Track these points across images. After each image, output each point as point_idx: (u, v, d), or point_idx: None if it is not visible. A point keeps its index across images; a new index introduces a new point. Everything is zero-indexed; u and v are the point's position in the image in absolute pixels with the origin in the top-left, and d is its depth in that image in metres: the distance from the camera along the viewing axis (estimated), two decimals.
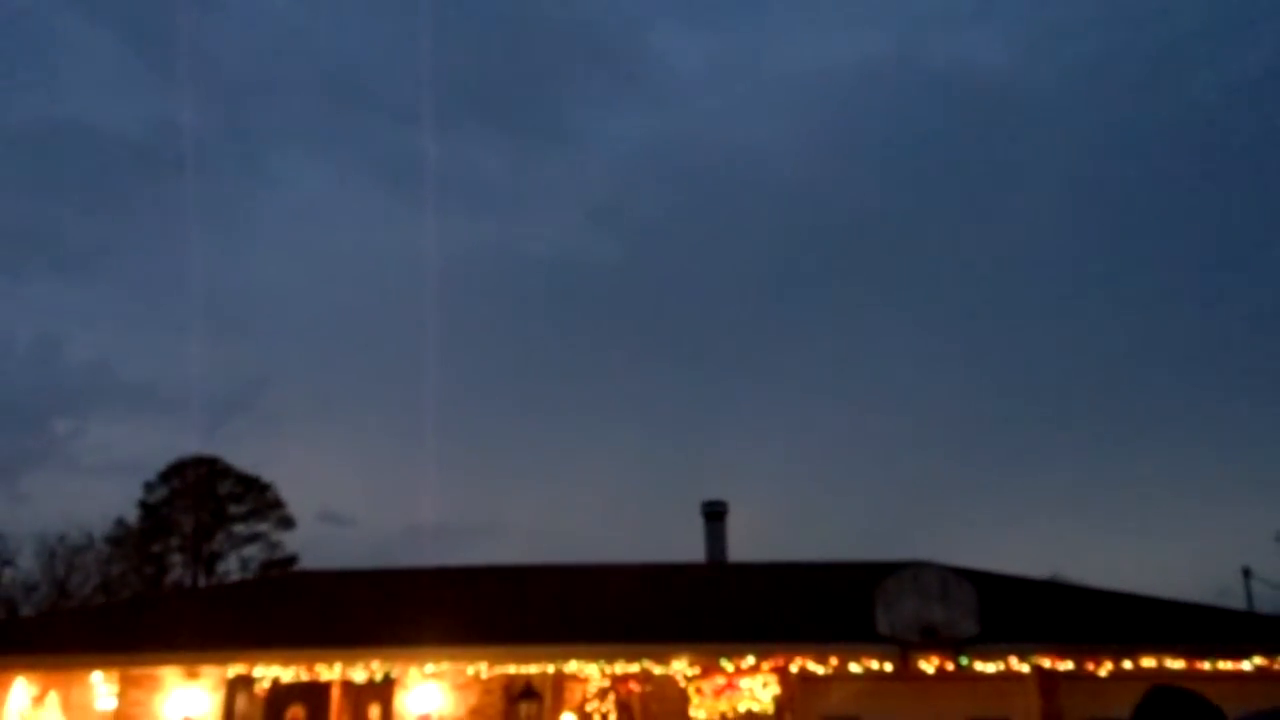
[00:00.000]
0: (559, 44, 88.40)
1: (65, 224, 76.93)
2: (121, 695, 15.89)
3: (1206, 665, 13.86)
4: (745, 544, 22.51)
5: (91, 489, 54.28)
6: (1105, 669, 14.03)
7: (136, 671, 15.80)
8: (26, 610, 33.47)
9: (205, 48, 78.80)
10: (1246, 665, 13.82)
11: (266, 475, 42.61)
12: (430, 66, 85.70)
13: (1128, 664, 13.88)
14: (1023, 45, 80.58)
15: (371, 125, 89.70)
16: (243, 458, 47.94)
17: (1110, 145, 75.67)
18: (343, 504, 76.60)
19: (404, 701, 15.70)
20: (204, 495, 40.81)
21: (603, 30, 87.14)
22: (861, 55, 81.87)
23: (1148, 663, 13.84)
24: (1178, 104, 74.09)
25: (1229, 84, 71.30)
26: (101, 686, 16.03)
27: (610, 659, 14.80)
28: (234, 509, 41.70)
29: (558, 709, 15.62)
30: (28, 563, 34.87)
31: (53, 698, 15.95)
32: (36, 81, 79.62)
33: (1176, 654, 13.82)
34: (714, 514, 21.78)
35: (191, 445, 49.74)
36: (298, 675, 15.36)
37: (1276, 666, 13.79)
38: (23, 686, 15.87)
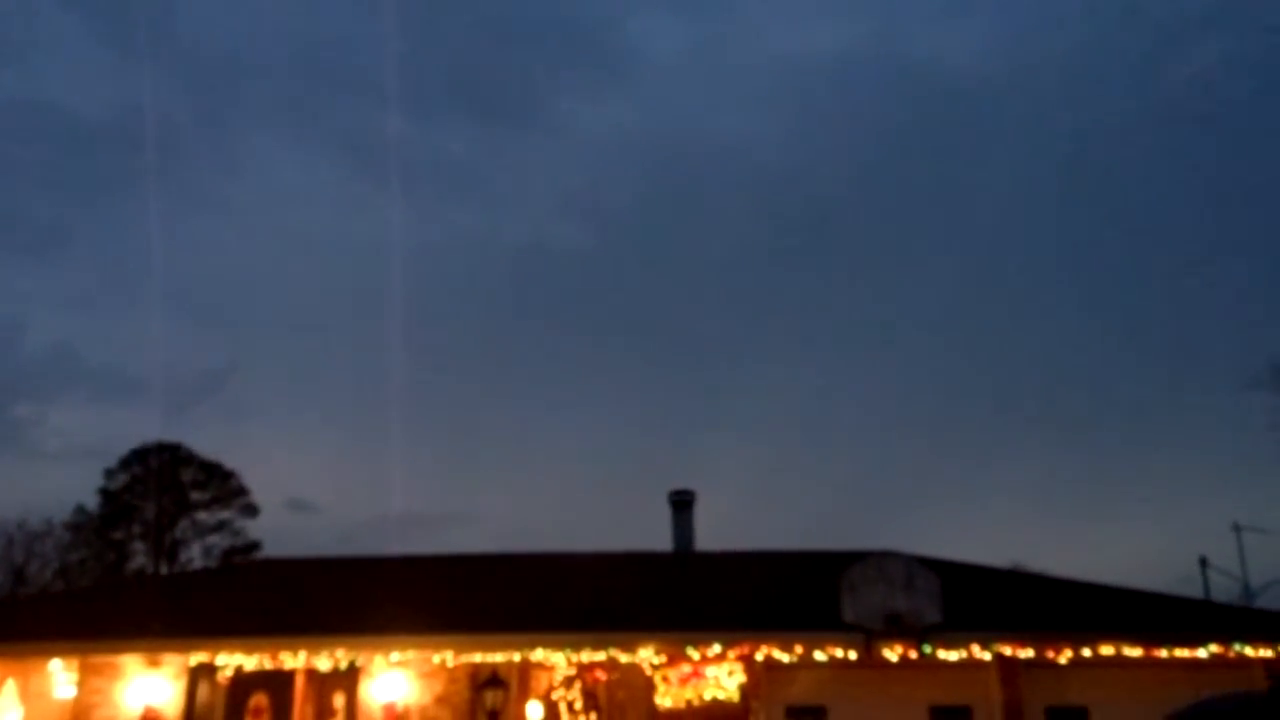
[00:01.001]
0: (535, 30, 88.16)
1: (30, 206, 75.71)
2: (81, 684, 15.69)
3: (1163, 653, 14.12)
4: (712, 533, 22.54)
5: (53, 475, 53.52)
6: (1065, 656, 14.25)
7: (97, 659, 15.60)
8: None
9: (175, 29, 77.91)
10: (1202, 653, 14.07)
11: (233, 462, 42.16)
12: (404, 51, 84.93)
13: (1087, 651, 14.10)
14: (998, 37, 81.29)
15: (343, 110, 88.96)
16: (208, 444, 47.42)
17: (1085, 137, 76.57)
18: (310, 491, 76.10)
19: (369, 690, 15.63)
20: (166, 482, 40.31)
21: (579, 17, 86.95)
22: (838, 45, 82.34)
23: (1106, 650, 14.06)
24: (1153, 97, 75.07)
25: (1202, 77, 72.19)
26: (61, 675, 15.82)
27: (576, 647, 14.80)
28: (197, 496, 41.22)
29: (524, 697, 15.60)
30: None
31: (10, 686, 15.69)
32: (3, 62, 78.15)
33: (1134, 642, 14.06)
34: (681, 502, 21.80)
35: (156, 431, 49.12)
36: (261, 663, 15.23)
37: (1231, 655, 14.06)
38: None
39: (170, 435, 42.46)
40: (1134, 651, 14.09)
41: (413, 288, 76.43)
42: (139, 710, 15.24)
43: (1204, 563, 29.17)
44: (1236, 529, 29.82)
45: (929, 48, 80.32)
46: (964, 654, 14.24)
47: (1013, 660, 14.41)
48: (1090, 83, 77.94)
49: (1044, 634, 14.32)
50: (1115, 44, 77.42)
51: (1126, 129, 75.56)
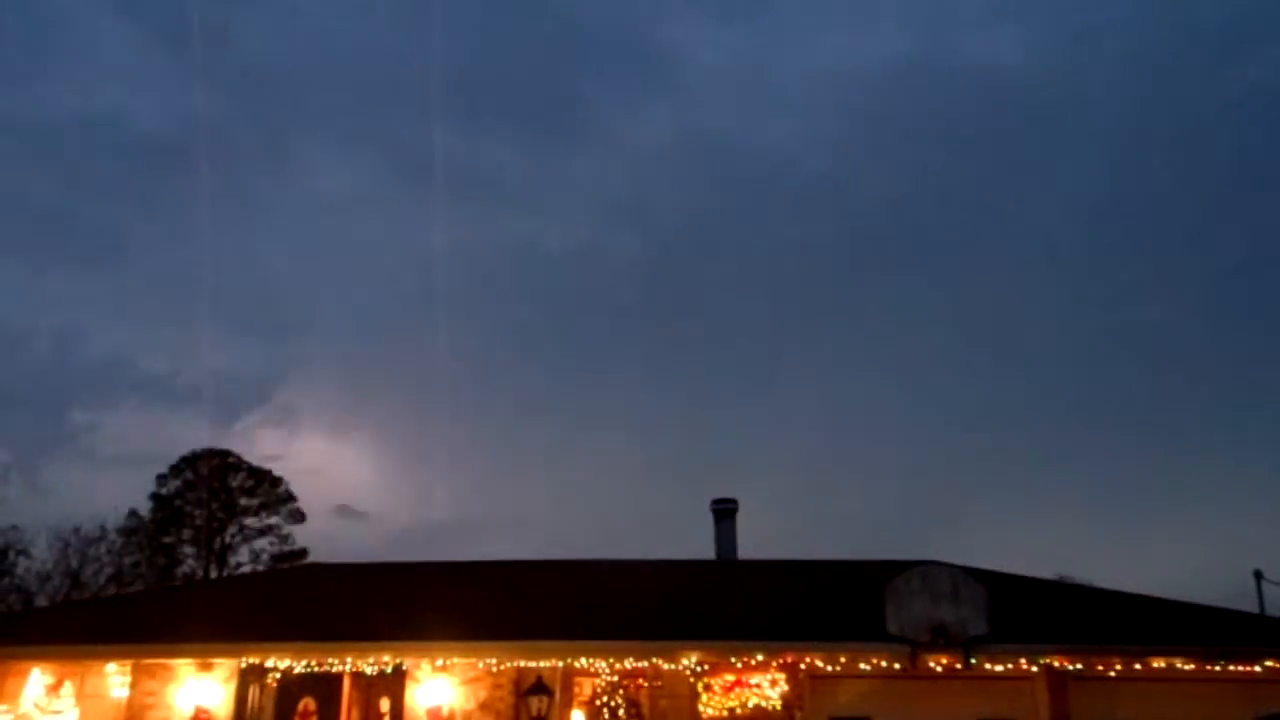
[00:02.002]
0: (582, 40, 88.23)
1: (87, 216, 77.26)
2: (135, 685, 16.03)
3: (1217, 668, 13.83)
4: (755, 542, 22.47)
5: (108, 480, 54.64)
6: (1115, 670, 14.03)
7: (149, 662, 15.93)
8: (41, 600, 33.72)
9: (230, 41, 78.93)
10: (1257, 668, 13.78)
11: (281, 469, 42.83)
12: (451, 61, 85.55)
13: (1138, 665, 13.87)
14: (1047, 43, 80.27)
15: (392, 119, 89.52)
16: (258, 451, 48.22)
17: (1135, 142, 75.17)
18: (358, 498, 76.84)
19: (414, 694, 15.79)
20: (216, 488, 41.01)
21: (626, 26, 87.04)
22: (885, 52, 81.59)
23: (1158, 664, 13.82)
24: (1208, 102, 73.64)
25: (1260, 82, 70.70)
26: (115, 677, 16.18)
27: (620, 655, 14.86)
28: (245, 502, 41.89)
29: (567, 704, 15.68)
30: (42, 553, 35.17)
31: (67, 688, 16.08)
32: (63, 74, 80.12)
33: (1187, 656, 13.79)
34: (723, 511, 21.80)
35: (208, 438, 49.99)
36: (309, 667, 15.46)
37: None
38: (38, 676, 16.00)
39: (221, 442, 43.41)
40: (1187, 666, 13.83)
41: (459, 296, 76.80)
42: (190, 712, 15.55)
43: (1259, 576, 28.44)
44: None
45: (977, 54, 79.27)
46: (1011, 666, 14.09)
47: (1061, 673, 14.22)
48: (1142, 88, 76.62)
49: (1093, 647, 14.10)
50: (1167, 49, 76.06)
51: (1179, 134, 74.24)
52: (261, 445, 76.40)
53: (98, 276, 76.21)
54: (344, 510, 56.85)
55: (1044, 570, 30.33)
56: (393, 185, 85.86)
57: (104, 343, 72.85)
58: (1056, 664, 14.04)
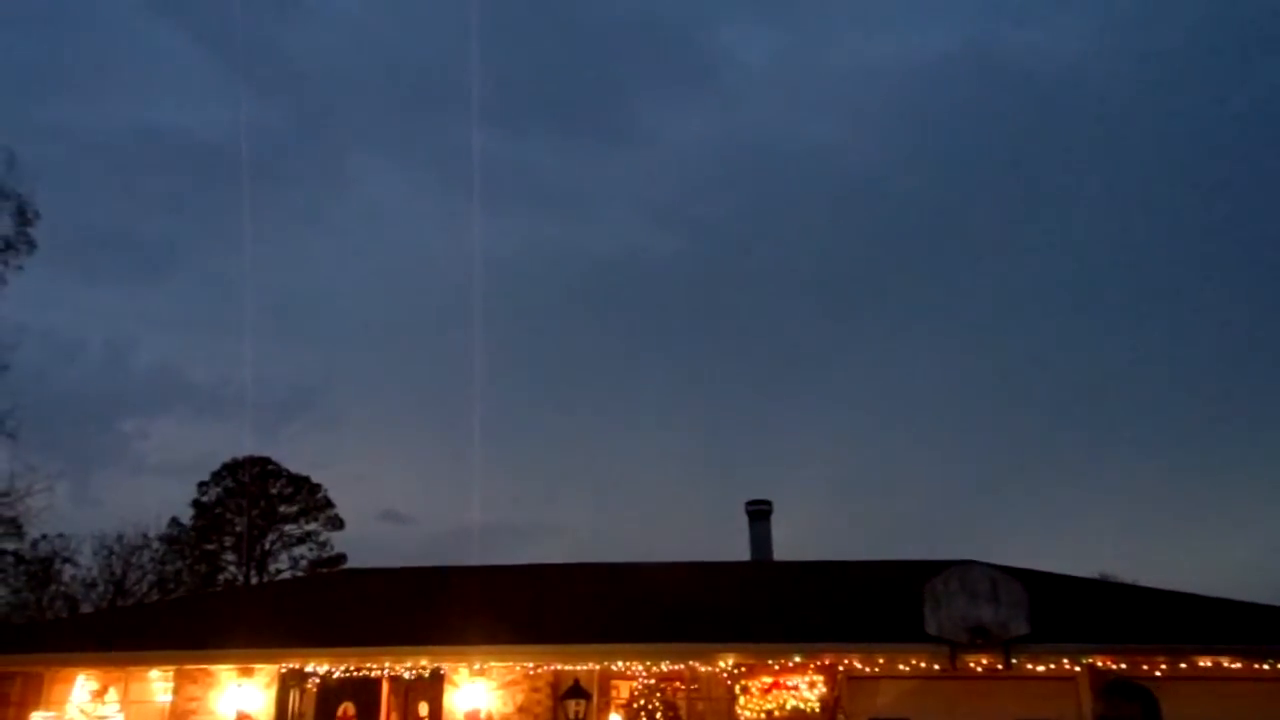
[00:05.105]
0: (625, 43, 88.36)
1: (141, 227, 78.63)
2: (178, 691, 16.25)
3: (1265, 666, 13.57)
4: (790, 543, 22.42)
5: (155, 488, 55.59)
6: (1160, 670, 13.80)
7: (192, 668, 16.14)
8: (86, 607, 34.29)
9: (280, 52, 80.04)
10: None
11: (327, 474, 43.35)
12: (496, 67, 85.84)
13: (1183, 665, 13.63)
14: (1092, 40, 79.20)
15: (436, 126, 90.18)
16: (305, 457, 48.66)
17: (1182, 139, 73.83)
18: (403, 503, 77.42)
19: (452, 698, 15.86)
20: (256, 495, 41.48)
21: (668, 28, 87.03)
22: (929, 50, 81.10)
23: (1204, 664, 13.58)
24: (1253, 98, 72.32)
25: None
26: (159, 682, 16.42)
27: (657, 657, 14.85)
28: (284, 509, 42.34)
29: (605, 707, 15.68)
30: (87, 561, 35.79)
31: (112, 693, 16.34)
32: (117, 87, 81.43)
33: (1234, 655, 13.54)
34: (759, 513, 21.75)
35: (254, 446, 50.52)
36: (348, 671, 15.58)
37: None
38: (84, 682, 16.27)
39: (268, 449, 43.89)
40: (1233, 665, 13.58)
41: (502, 301, 77.00)
42: (232, 716, 15.73)
43: None
44: None
45: (1021, 52, 78.47)
46: (1053, 667, 13.90)
47: (1104, 673, 14.01)
48: (1189, 84, 75.31)
49: (1137, 646, 13.87)
50: (1215, 45, 74.71)
51: (1226, 131, 72.93)
52: (308, 452, 77.23)
53: (148, 287, 77.52)
54: (390, 515, 57.39)
55: (1087, 571, 29.93)
56: (438, 191, 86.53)
57: (154, 352, 74.15)
58: (1099, 664, 13.84)
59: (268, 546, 41.94)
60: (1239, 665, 13.56)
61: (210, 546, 41.06)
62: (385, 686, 16.21)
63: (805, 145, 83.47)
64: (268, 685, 15.98)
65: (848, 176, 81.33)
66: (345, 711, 16.20)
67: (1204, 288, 69.65)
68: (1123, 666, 13.78)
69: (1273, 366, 64.94)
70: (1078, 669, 13.93)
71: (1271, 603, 17.22)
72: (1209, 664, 13.56)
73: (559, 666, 15.27)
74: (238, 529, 41.16)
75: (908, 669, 14.23)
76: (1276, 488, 56.47)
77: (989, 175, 78.62)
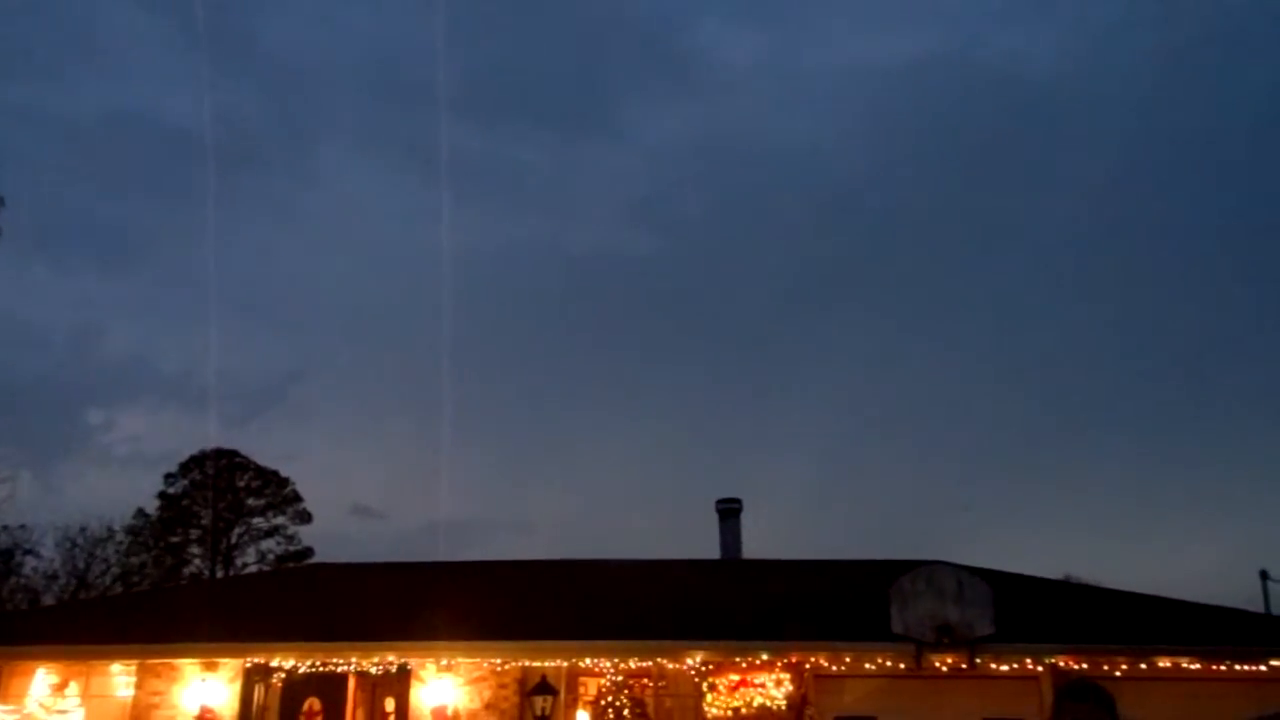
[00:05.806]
0: (603, 38, 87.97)
1: (107, 214, 77.55)
2: (140, 685, 16.07)
3: (1223, 667, 13.79)
4: (760, 541, 22.50)
5: (122, 479, 54.71)
6: (1121, 670, 13.98)
7: (155, 662, 15.97)
8: (48, 600, 33.81)
9: (254, 40, 79.08)
10: (1263, 667, 13.73)
11: (297, 468, 42.94)
12: (475, 60, 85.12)
13: (1143, 665, 13.82)
14: (1072, 43, 79.83)
15: (411, 119, 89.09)
16: (274, 450, 48.19)
17: (1159, 143, 74.49)
18: (374, 498, 76.90)
19: (419, 694, 15.80)
20: (223, 488, 41.08)
21: (648, 25, 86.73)
22: (909, 52, 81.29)
23: (1163, 664, 13.78)
24: (1232, 103, 73.19)
25: None
26: (120, 676, 16.22)
27: (624, 655, 14.86)
28: (252, 502, 41.94)
29: (572, 704, 15.68)
30: (49, 553, 35.28)
31: (73, 687, 16.13)
32: (89, 72, 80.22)
33: (1193, 656, 13.76)
34: (728, 511, 21.80)
35: (222, 438, 49.97)
36: (314, 667, 15.48)
37: None
38: (44, 676, 16.06)
39: (236, 441, 43.43)
40: (1192, 666, 13.80)
41: (475, 296, 76.42)
42: (195, 711, 15.57)
43: (1264, 576, 28.30)
44: None
45: (1001, 54, 79.00)
46: (1016, 666, 14.06)
47: (1066, 673, 14.18)
48: (1168, 89, 76.07)
49: (1099, 647, 14.07)
50: (1193, 50, 75.51)
51: (1203, 135, 73.77)
52: (277, 445, 76.56)
53: (116, 276, 76.49)
54: (360, 510, 57.04)
55: (1051, 572, 30.26)
56: (413, 184, 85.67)
57: (121, 342, 73.01)
58: (1061, 664, 14.00)
59: (234, 540, 41.53)
60: (1197, 666, 13.78)
61: (176, 539, 40.58)
62: (352, 682, 16.11)
63: (784, 145, 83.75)
64: (232, 680, 15.83)
65: (826, 176, 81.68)
66: (311, 707, 16.09)
67: (1179, 289, 70.59)
68: (1084, 666, 13.96)
69: (1237, 370, 65.92)
70: (1040, 669, 14.09)
71: (1234, 605, 17.54)
72: (1168, 664, 13.78)
73: (526, 663, 15.26)
74: (204, 522, 40.73)
75: (874, 668, 14.34)
76: (1239, 491, 57.32)
77: (966, 179, 79.27)
